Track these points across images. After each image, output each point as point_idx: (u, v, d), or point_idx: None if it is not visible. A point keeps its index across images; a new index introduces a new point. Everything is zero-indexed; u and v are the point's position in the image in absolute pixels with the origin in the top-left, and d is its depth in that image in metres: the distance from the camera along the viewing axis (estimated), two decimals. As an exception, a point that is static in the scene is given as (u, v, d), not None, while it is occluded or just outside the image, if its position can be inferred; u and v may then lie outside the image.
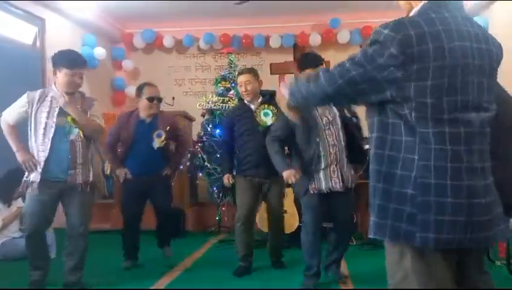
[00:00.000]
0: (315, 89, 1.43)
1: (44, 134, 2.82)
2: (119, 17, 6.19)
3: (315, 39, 6.26)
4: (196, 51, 6.76)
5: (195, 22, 6.32)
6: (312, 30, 6.33)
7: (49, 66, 5.22)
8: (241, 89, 3.50)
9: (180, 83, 6.74)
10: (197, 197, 5.25)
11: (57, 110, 2.85)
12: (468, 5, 5.12)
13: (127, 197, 3.60)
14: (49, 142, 2.81)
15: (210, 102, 4.87)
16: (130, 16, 6.13)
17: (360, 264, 3.60)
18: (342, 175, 3.01)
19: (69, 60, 2.84)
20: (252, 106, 3.49)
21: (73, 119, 2.87)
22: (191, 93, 6.61)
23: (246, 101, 3.55)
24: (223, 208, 4.87)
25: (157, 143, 3.50)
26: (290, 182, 3.07)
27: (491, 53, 1.34)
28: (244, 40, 6.43)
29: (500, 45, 1.40)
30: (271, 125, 3.32)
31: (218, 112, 4.78)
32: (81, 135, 2.90)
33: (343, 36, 6.23)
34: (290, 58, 6.62)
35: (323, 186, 3.03)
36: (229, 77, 4.97)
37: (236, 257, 3.54)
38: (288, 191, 4.34)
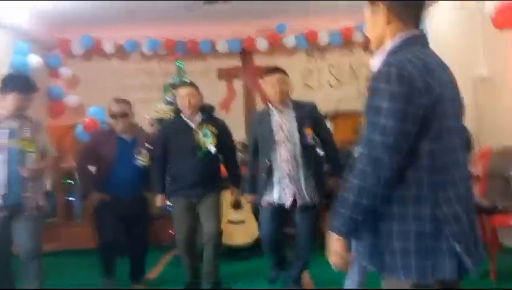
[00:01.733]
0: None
1: None
2: (54, 23, 5.78)
3: (262, 44, 6.23)
4: (139, 56, 6.49)
5: (137, 27, 6.04)
6: (258, 35, 6.30)
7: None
8: (183, 102, 3.26)
9: (124, 90, 6.36)
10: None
11: (7, 132, 2.75)
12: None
13: (108, 221, 3.34)
14: (5, 165, 2.70)
15: (158, 111, 4.67)
16: (65, 22, 5.74)
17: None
18: (297, 191, 2.99)
19: (22, 85, 2.80)
20: (191, 124, 3.28)
21: (28, 142, 2.76)
22: (137, 101, 6.30)
23: (184, 117, 3.33)
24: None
25: (139, 161, 3.35)
26: None
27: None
28: (189, 45, 6.27)
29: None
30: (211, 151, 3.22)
31: (167, 121, 4.58)
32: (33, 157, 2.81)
33: (289, 41, 6.26)
34: (237, 63, 6.59)
35: (275, 200, 3.02)
36: (178, 84, 4.79)
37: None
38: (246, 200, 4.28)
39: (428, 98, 1.25)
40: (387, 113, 1.23)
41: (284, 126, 3.04)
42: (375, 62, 1.38)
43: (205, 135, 3.24)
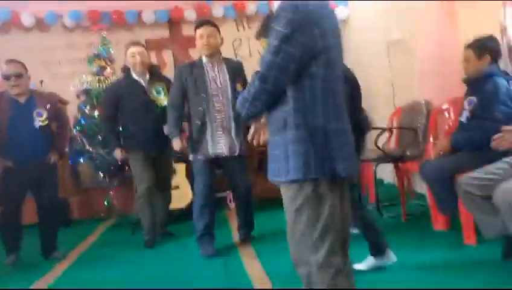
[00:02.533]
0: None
1: None
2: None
3: (190, 14, 6.21)
4: (61, 28, 6.21)
5: (57, -2, 5.79)
6: (186, 5, 6.26)
7: None
8: (134, 60, 3.38)
9: (47, 64, 6.14)
10: (81, 184, 4.96)
11: None
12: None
13: (7, 189, 3.22)
14: None
15: (85, 82, 4.58)
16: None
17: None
18: (230, 142, 3.14)
19: None
20: (142, 82, 3.38)
21: None
22: (61, 75, 6.07)
23: (134, 76, 3.42)
24: (112, 193, 4.69)
25: (38, 122, 3.22)
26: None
27: None
28: (114, 16, 6.10)
29: None
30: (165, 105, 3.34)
31: (95, 92, 4.52)
32: None
33: (218, 11, 6.29)
34: (165, 34, 6.52)
35: (210, 151, 3.13)
36: (103, 54, 4.72)
37: (131, 238, 3.51)
38: (180, 167, 4.37)
39: (320, 32, 1.44)
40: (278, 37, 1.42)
41: (217, 79, 3.14)
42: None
43: (158, 92, 3.40)
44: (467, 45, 2.94)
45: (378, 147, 3.68)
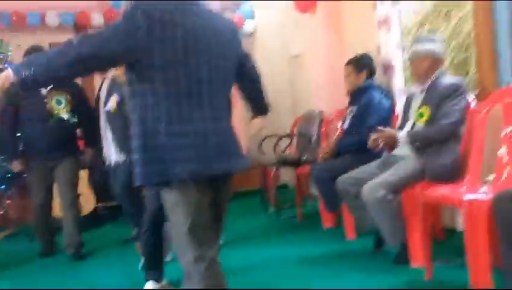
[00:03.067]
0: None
1: None
2: None
3: (97, 18, 6.12)
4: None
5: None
6: (93, 10, 6.16)
7: None
8: None
9: None
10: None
11: None
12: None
13: None
14: None
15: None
16: None
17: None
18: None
19: None
20: (43, 90, 3.29)
21: None
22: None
23: None
24: (8, 201, 4.47)
25: None
26: None
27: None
28: (14, 18, 5.82)
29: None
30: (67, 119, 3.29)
31: (-10, 95, 4.29)
32: None
33: (127, 17, 6.27)
34: (70, 37, 6.33)
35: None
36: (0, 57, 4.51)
37: (29, 246, 3.40)
38: (83, 173, 4.30)
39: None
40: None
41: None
42: None
43: (58, 102, 3.32)
44: (347, 62, 3.33)
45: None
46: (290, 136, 4.55)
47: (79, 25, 6.17)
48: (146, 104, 1.53)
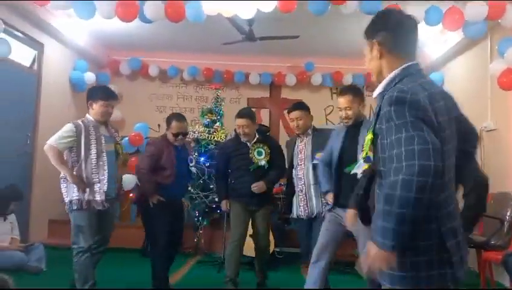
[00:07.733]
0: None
1: (97, 159, 3.14)
2: (108, 45, 6.51)
3: (290, 79, 6.83)
4: (179, 81, 7.15)
5: (180, 55, 6.74)
6: (288, 71, 6.91)
7: (48, 89, 5.47)
8: (239, 131, 3.79)
9: (161, 110, 7.08)
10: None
11: (103, 138, 3.21)
12: (426, 63, 5.87)
13: (162, 220, 3.59)
14: (104, 166, 3.15)
15: (196, 132, 5.27)
16: (118, 44, 6.45)
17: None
18: (307, 205, 3.53)
19: (106, 93, 3.30)
20: (249, 143, 3.81)
21: (119, 145, 3.34)
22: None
23: (242, 139, 3.83)
24: (201, 231, 5.21)
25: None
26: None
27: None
28: (225, 76, 6.90)
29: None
30: (263, 165, 3.76)
31: (203, 141, 5.17)
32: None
33: (316, 79, 6.84)
34: (266, 94, 7.21)
35: (294, 212, 3.59)
36: (215, 110, 5.40)
37: (217, 276, 3.88)
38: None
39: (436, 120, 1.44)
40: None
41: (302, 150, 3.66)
42: (377, 91, 1.59)
43: (259, 154, 3.81)
44: None
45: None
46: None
47: (275, 84, 7.00)
48: None
